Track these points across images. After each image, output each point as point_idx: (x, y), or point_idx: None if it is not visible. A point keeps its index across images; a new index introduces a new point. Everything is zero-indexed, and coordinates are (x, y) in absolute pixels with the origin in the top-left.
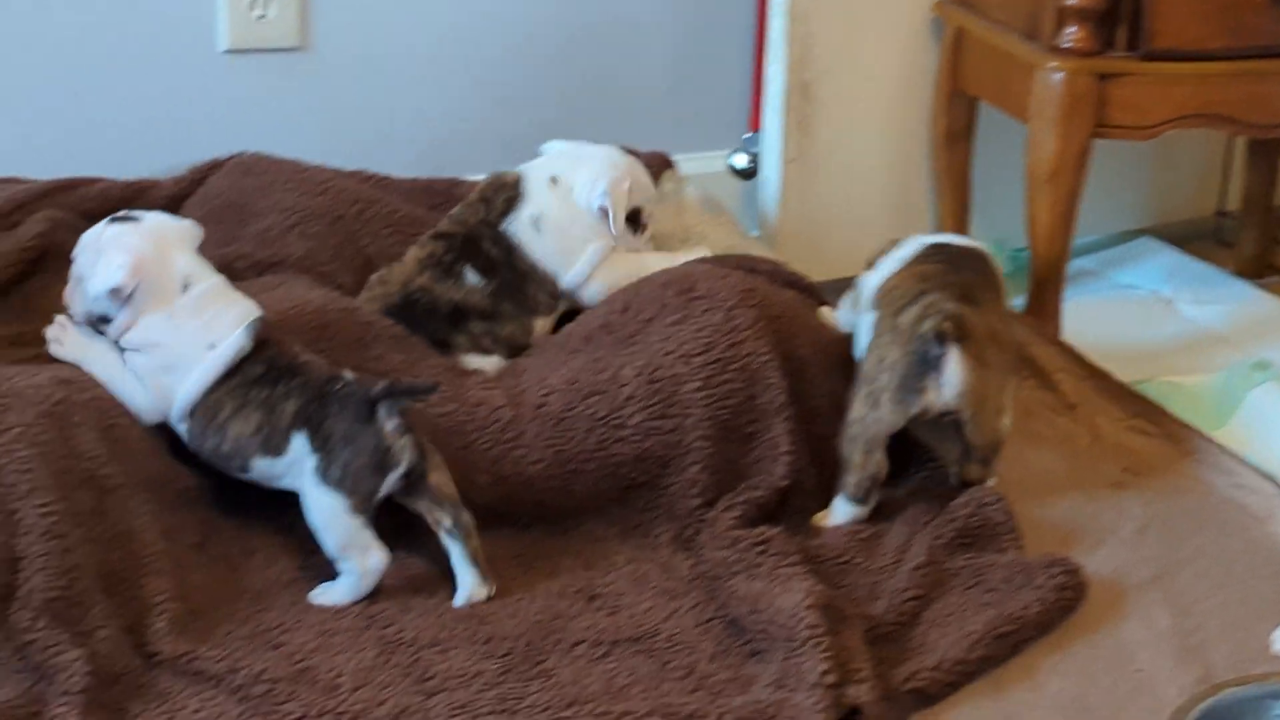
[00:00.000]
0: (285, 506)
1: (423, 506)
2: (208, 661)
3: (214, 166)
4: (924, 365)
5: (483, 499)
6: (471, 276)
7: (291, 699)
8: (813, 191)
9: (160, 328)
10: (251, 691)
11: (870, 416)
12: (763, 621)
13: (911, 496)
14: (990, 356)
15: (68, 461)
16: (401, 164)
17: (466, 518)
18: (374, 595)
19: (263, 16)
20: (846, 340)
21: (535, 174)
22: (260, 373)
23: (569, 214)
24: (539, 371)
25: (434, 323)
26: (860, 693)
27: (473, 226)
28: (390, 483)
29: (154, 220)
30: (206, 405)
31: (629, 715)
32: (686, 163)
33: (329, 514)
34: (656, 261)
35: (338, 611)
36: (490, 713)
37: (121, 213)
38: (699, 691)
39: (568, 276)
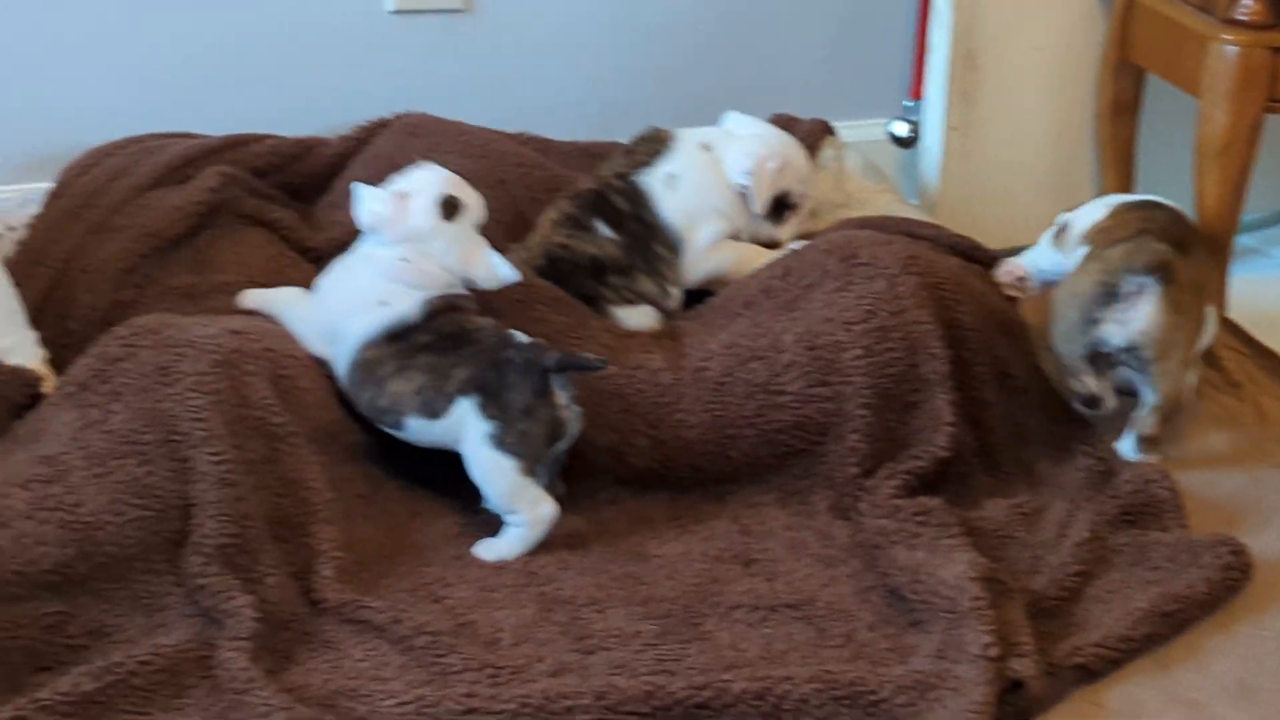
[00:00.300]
0: (448, 466)
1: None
2: (372, 611)
3: (380, 126)
4: (1109, 297)
5: (640, 462)
6: (603, 229)
7: (452, 652)
8: (974, 161)
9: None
10: (414, 643)
11: (1058, 348)
12: (924, 592)
13: (1073, 472)
14: (1187, 306)
15: (240, 410)
16: (562, 126)
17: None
18: (533, 552)
19: None
20: (1011, 307)
21: (690, 136)
22: (427, 341)
23: (709, 181)
24: (698, 335)
25: (578, 278)
26: (1023, 666)
27: (606, 180)
28: (559, 449)
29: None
30: (366, 359)
31: (788, 681)
32: (846, 130)
33: (499, 476)
34: (766, 257)
35: (498, 568)
36: (648, 673)
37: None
38: (858, 660)
39: (686, 249)
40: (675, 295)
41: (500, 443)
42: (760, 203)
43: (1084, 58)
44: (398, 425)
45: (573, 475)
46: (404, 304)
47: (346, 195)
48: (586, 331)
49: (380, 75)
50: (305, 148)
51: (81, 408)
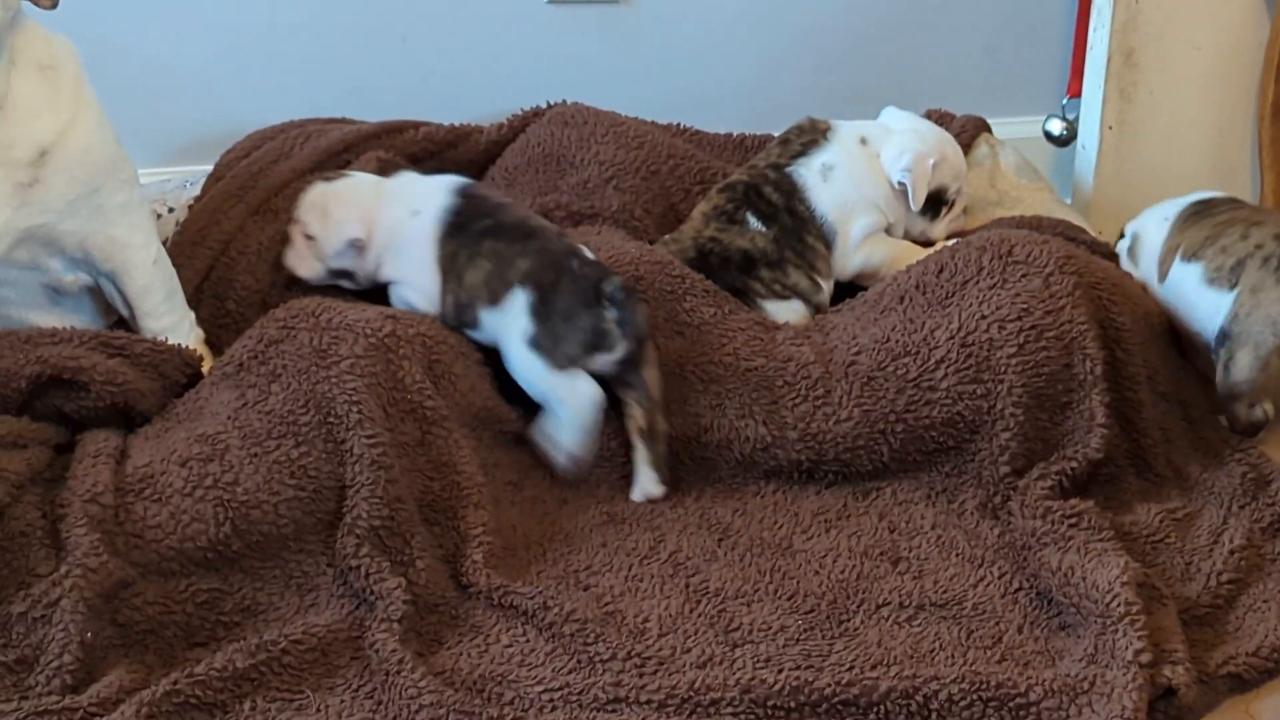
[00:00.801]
0: (589, 480)
1: (629, 396)
2: (520, 597)
3: (534, 115)
4: None
5: (789, 455)
6: (754, 222)
7: (600, 640)
8: (1131, 160)
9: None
10: (562, 630)
11: (1238, 376)
12: (1075, 595)
13: (1226, 477)
14: None
15: (395, 393)
16: (716, 118)
17: (662, 424)
18: (679, 542)
19: None
20: (1162, 311)
21: (848, 129)
22: (488, 225)
23: (865, 174)
24: (849, 329)
25: (728, 272)
26: (1176, 674)
27: (760, 171)
28: (600, 363)
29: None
30: (443, 258)
31: (935, 680)
32: (1000, 127)
33: (531, 372)
34: (918, 254)
35: (644, 557)
36: (795, 668)
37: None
38: (1006, 661)
39: (838, 241)
40: (826, 289)
41: (531, 340)
42: (917, 199)
43: (1245, 58)
44: (477, 323)
45: (721, 467)
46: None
47: (500, 184)
48: (736, 323)
49: (536, 65)
50: (460, 135)
51: (240, 388)
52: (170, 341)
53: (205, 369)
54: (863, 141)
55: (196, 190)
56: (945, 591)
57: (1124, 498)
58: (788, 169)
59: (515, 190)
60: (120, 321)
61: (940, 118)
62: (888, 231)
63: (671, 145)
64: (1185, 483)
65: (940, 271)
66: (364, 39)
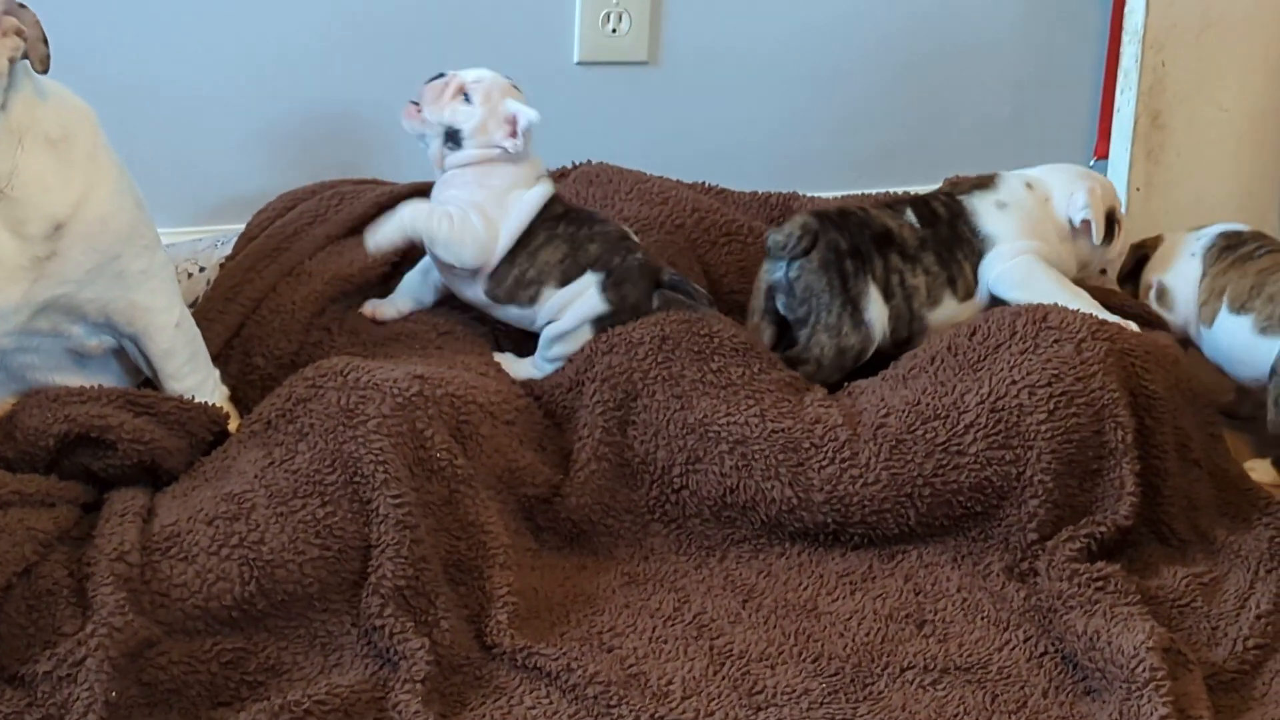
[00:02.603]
0: (610, 533)
1: None
2: (544, 658)
3: (560, 175)
4: None
5: (815, 517)
6: (910, 216)
7: (623, 703)
8: (1158, 221)
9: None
10: (585, 692)
11: None
12: (1101, 660)
13: (1254, 541)
14: None
15: (420, 453)
16: (742, 178)
17: None
18: (703, 604)
19: (614, 31)
20: (1195, 377)
21: (1012, 176)
22: (562, 211)
23: (1039, 216)
24: (879, 391)
25: (861, 236)
26: None
27: (925, 195)
28: None
29: None
30: (524, 235)
31: None
32: None
33: (577, 344)
34: (1069, 294)
35: (668, 619)
36: None
37: None
38: None
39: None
40: (935, 314)
41: (602, 326)
42: (1100, 230)
43: (1272, 121)
44: (535, 298)
45: (746, 528)
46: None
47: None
48: (764, 384)
49: (565, 125)
50: None
51: (267, 446)
52: (197, 400)
53: (232, 427)
54: (1029, 186)
55: (228, 249)
56: (970, 655)
57: (1149, 561)
58: (960, 196)
59: None
60: (146, 381)
61: (955, 182)
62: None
63: (696, 201)
64: (1211, 546)
65: (973, 335)
66: (394, 98)
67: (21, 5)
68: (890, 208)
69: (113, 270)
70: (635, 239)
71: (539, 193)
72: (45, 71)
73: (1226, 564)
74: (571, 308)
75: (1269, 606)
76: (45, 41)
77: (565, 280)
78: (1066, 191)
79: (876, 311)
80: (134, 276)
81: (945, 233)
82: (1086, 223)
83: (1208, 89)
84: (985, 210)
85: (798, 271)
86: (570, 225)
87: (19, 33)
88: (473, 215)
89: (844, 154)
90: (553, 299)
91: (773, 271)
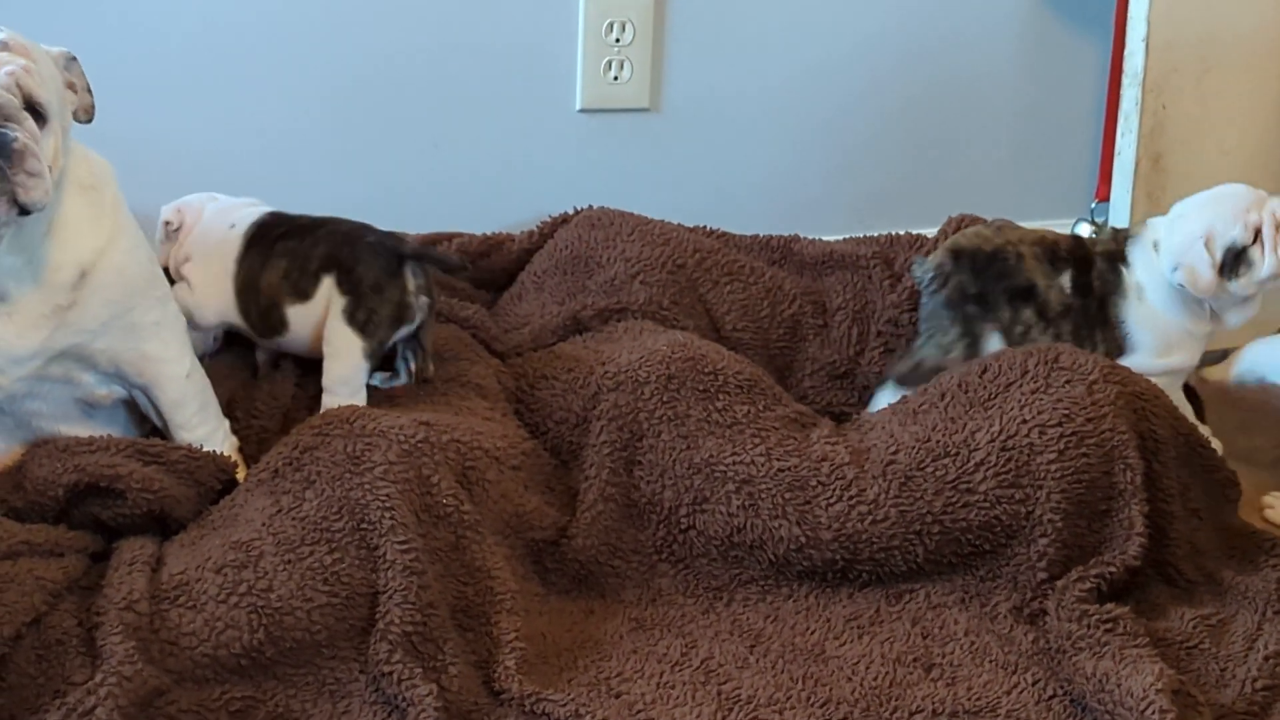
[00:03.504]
0: (617, 575)
1: (406, 349)
2: (552, 704)
3: (563, 221)
4: None
5: (823, 555)
6: (1066, 281)
7: None
8: None
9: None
10: None
11: None
12: (1110, 702)
13: (1260, 582)
14: None
15: (427, 499)
16: (743, 222)
17: (430, 369)
18: (711, 649)
19: (616, 79)
20: (1194, 427)
21: (1144, 233)
22: (282, 232)
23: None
24: (887, 427)
25: (993, 283)
26: None
27: (1093, 255)
28: (400, 335)
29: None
30: (241, 271)
31: None
32: None
33: (347, 352)
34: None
35: (676, 664)
36: None
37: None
38: None
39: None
40: None
41: (351, 317)
42: (1202, 286)
43: (1273, 162)
44: (284, 323)
45: (754, 568)
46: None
47: (529, 289)
48: (769, 421)
49: (568, 172)
50: (492, 244)
51: (275, 494)
52: (206, 448)
53: (240, 476)
54: (1154, 247)
55: None
56: (979, 699)
57: (1156, 603)
58: (1112, 275)
59: (544, 294)
60: (154, 430)
61: (970, 222)
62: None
63: (698, 242)
64: (1218, 588)
65: (984, 373)
66: (398, 149)
67: (73, 59)
68: (1052, 262)
69: (126, 322)
70: (375, 228)
71: (240, 229)
72: (89, 121)
73: (1234, 605)
74: (329, 321)
75: (1277, 647)
76: (90, 91)
77: (300, 293)
78: (1167, 256)
79: (995, 349)
80: (146, 328)
81: (1093, 310)
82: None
83: (1208, 131)
84: (1132, 301)
85: (927, 300)
86: (290, 240)
87: (71, 86)
88: (187, 278)
89: (845, 198)
90: (299, 316)
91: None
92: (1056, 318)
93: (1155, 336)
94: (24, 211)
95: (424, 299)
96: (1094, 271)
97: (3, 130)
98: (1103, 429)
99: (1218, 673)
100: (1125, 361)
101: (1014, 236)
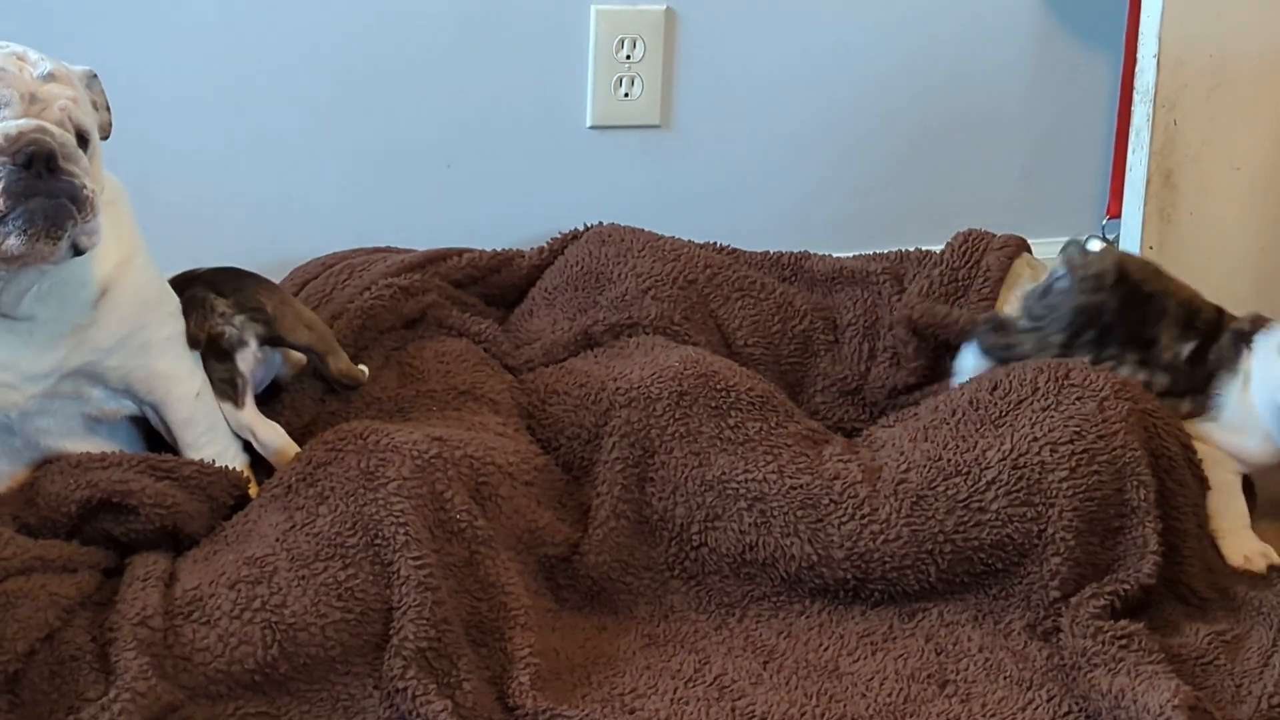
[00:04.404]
0: (629, 591)
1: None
2: None
3: (573, 237)
4: None
5: (835, 574)
6: (1186, 349)
7: None
8: None
9: None
10: None
11: None
12: (1126, 718)
13: (1276, 598)
14: None
15: (441, 514)
16: (753, 240)
17: (336, 365)
18: (724, 665)
19: (627, 95)
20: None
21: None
22: None
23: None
24: (899, 445)
25: (1136, 323)
26: None
27: (1230, 322)
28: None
29: None
30: None
31: None
32: (1040, 248)
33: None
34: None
35: (689, 680)
36: None
37: None
38: None
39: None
40: None
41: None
42: None
43: None
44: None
45: (766, 585)
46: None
47: (540, 305)
48: (781, 438)
49: (579, 189)
50: (503, 260)
51: (288, 510)
52: (218, 464)
53: (252, 493)
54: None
55: None
56: (993, 715)
57: (1170, 619)
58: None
59: (555, 310)
60: (163, 445)
61: (978, 239)
62: None
63: (708, 258)
64: (1232, 604)
65: (994, 389)
66: (409, 166)
67: (94, 76)
68: (1184, 328)
69: (139, 340)
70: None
71: None
72: (107, 138)
73: (1248, 621)
74: None
75: None
76: (109, 109)
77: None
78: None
79: None
80: (157, 345)
81: (1197, 379)
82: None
83: (1219, 148)
84: (1238, 383)
85: (1064, 292)
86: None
87: (94, 104)
88: None
89: (856, 215)
90: None
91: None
92: (1152, 374)
93: (1242, 421)
94: (78, 253)
95: (241, 316)
96: (1216, 345)
97: (71, 180)
98: (1115, 446)
99: (1233, 689)
100: (1204, 426)
101: (1171, 286)
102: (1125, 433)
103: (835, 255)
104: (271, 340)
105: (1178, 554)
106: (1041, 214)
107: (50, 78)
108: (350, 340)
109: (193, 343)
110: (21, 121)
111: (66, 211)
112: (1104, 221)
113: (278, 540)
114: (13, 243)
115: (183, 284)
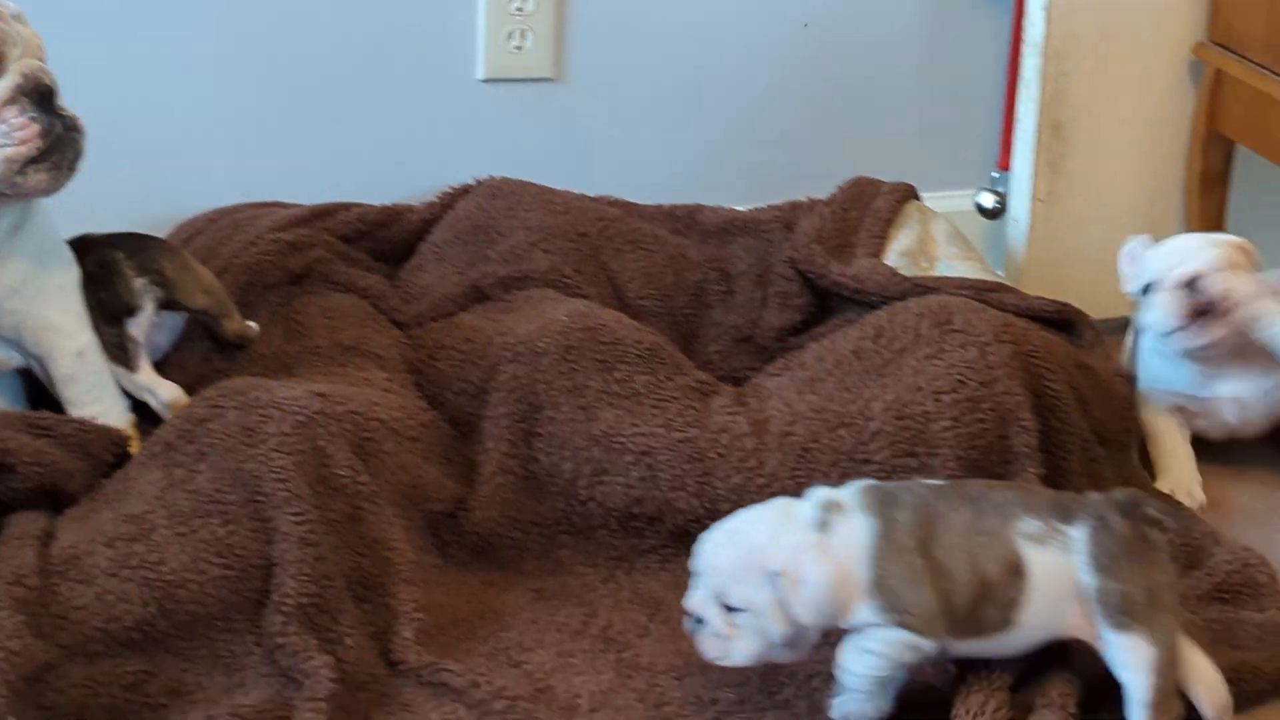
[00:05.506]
0: (516, 546)
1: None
2: (451, 674)
3: (464, 191)
4: None
5: None
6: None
7: (530, 717)
8: (1061, 232)
9: None
10: (492, 707)
11: None
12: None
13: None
14: None
15: (323, 471)
16: (649, 195)
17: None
18: (610, 618)
19: (519, 48)
20: (1099, 379)
21: None
22: None
23: None
24: (784, 396)
25: None
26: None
27: None
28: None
29: None
30: None
31: None
32: (932, 201)
33: None
34: None
35: (576, 633)
36: None
37: None
38: None
39: None
40: None
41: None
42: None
43: (1173, 130)
44: None
45: (653, 539)
46: None
47: (430, 259)
48: (669, 391)
49: (471, 143)
50: (392, 215)
51: (167, 467)
52: (98, 422)
53: (134, 449)
54: None
55: None
56: None
57: None
58: None
59: (444, 264)
60: (51, 402)
61: (868, 185)
62: None
63: (601, 211)
64: None
65: (878, 337)
66: (296, 120)
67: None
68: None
69: (39, 283)
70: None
71: None
72: None
73: None
74: None
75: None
76: None
77: None
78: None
79: None
80: (52, 292)
81: None
82: None
83: (1108, 100)
84: None
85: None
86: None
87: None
88: None
89: (751, 169)
90: None
91: None
92: None
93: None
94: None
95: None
96: None
97: (69, 115)
98: (997, 392)
99: None
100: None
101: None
102: (1007, 377)
103: (729, 208)
104: (169, 305)
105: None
106: (935, 167)
107: (18, 18)
108: (235, 296)
109: (124, 312)
110: (31, 61)
111: (81, 145)
112: (994, 174)
113: (156, 498)
114: (42, 178)
115: (84, 248)
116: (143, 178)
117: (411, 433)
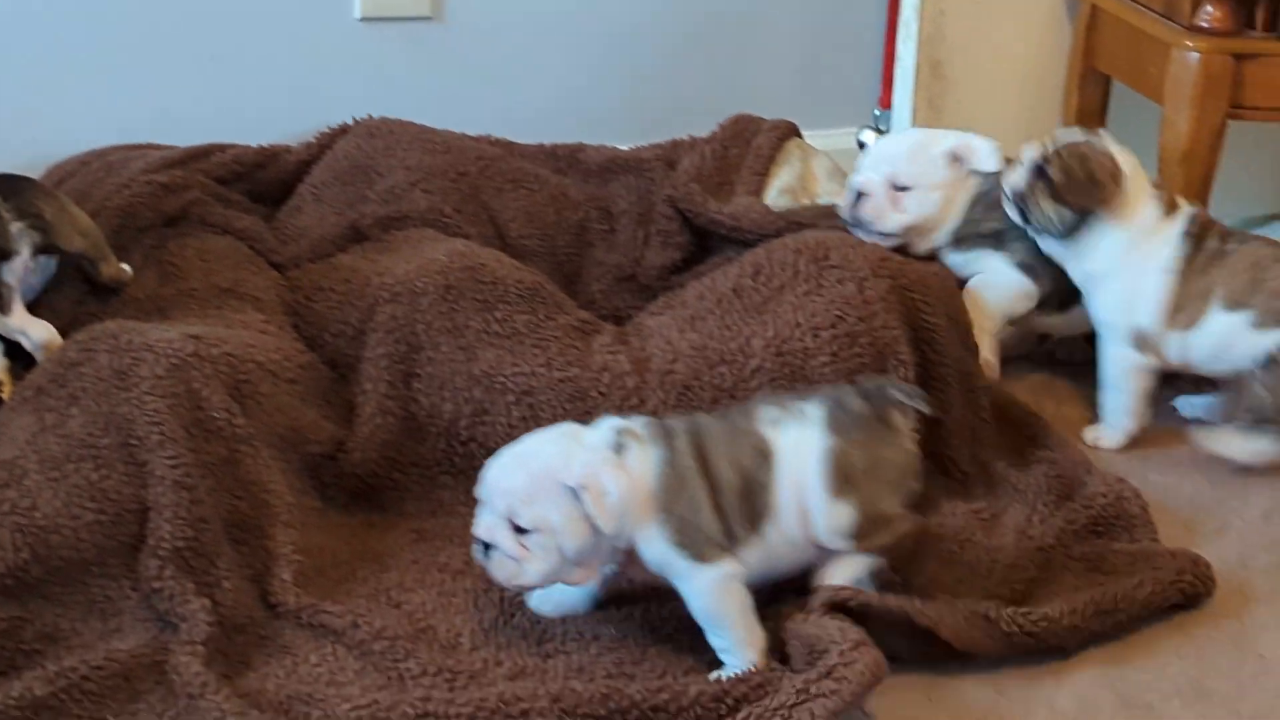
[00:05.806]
0: (397, 488)
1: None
2: (330, 616)
3: (341, 131)
4: None
5: None
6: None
7: (410, 656)
8: None
9: None
10: (372, 647)
11: None
12: None
13: (1031, 478)
14: None
15: (198, 414)
16: (530, 133)
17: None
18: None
19: None
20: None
21: None
22: None
23: None
24: (666, 334)
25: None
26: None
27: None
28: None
29: None
30: None
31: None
32: (815, 139)
33: None
34: None
35: (458, 573)
36: (607, 676)
37: None
38: None
39: None
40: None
41: None
42: None
43: (1050, 66)
44: None
45: None
46: None
47: (308, 200)
48: (550, 331)
49: (348, 82)
50: (268, 156)
51: (39, 412)
52: None
53: (5, 394)
54: None
55: None
56: None
57: (932, 497)
58: None
59: (323, 205)
60: None
61: (749, 122)
62: None
63: (481, 150)
64: (990, 481)
65: (756, 275)
66: (170, 59)
67: None
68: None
69: None
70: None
71: None
72: None
73: (1005, 499)
74: None
75: (1052, 541)
76: None
77: None
78: None
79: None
80: None
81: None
82: None
83: (985, 38)
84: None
85: None
86: None
87: None
88: None
89: (632, 108)
90: None
91: None
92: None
93: None
94: None
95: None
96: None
97: None
98: (875, 326)
99: (988, 563)
100: None
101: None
102: (885, 312)
103: (611, 146)
104: (46, 249)
105: (941, 426)
106: (817, 106)
107: None
108: (109, 239)
109: (3, 255)
110: None
111: None
112: (876, 112)
113: (27, 443)
114: None
115: None
116: (10, 119)
117: (289, 375)
